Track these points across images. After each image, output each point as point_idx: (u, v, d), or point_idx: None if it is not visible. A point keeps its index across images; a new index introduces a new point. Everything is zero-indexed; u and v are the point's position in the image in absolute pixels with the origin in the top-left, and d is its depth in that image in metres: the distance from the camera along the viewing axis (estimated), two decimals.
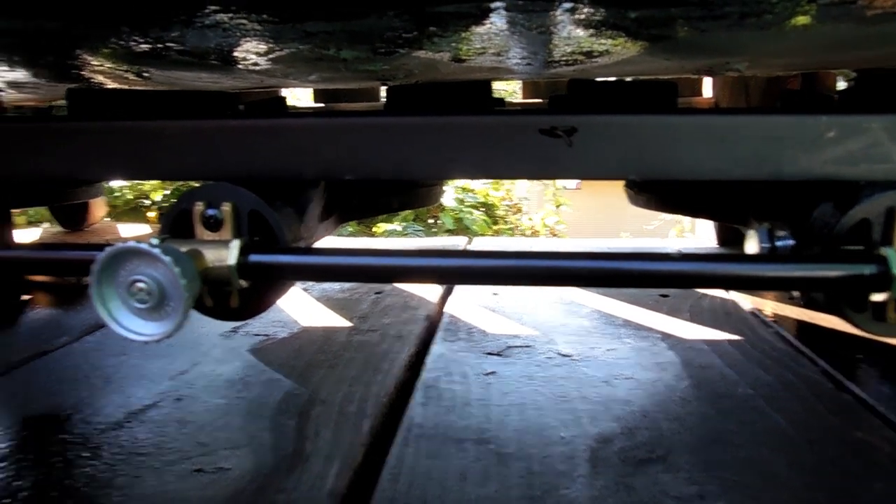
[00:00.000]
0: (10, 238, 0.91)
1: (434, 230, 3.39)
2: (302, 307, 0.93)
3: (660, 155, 0.47)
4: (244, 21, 0.37)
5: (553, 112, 0.48)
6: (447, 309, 0.93)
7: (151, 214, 3.22)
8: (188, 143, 0.46)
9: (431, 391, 0.64)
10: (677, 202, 0.67)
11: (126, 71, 0.54)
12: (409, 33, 0.39)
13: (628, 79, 0.72)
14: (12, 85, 0.66)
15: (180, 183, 3.20)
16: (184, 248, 0.37)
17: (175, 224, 0.42)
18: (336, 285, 1.05)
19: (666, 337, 0.80)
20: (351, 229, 3.02)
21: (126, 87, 0.62)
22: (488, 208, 3.76)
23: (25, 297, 1.00)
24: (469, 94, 0.57)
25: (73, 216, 1.13)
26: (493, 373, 0.69)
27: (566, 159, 0.44)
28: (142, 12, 0.38)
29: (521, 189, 4.07)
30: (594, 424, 0.58)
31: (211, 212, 0.42)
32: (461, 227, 3.31)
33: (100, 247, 0.42)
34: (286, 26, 0.38)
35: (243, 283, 0.40)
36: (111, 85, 0.60)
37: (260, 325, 0.85)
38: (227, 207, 0.42)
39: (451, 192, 3.49)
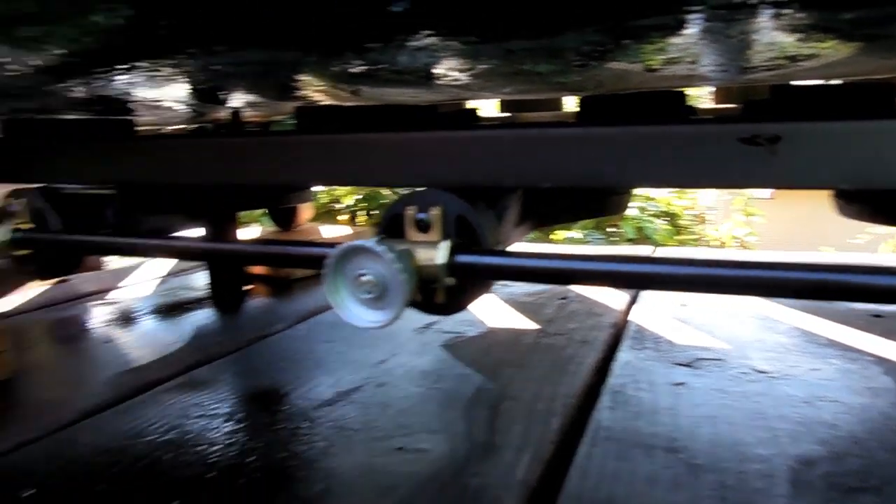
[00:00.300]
0: (234, 235, 1.04)
1: (614, 239, 3.33)
2: (489, 309, 0.97)
3: (877, 162, 0.44)
4: (453, 42, 0.40)
5: (753, 120, 0.47)
6: (632, 317, 0.92)
7: (342, 217, 3.47)
8: (401, 153, 0.51)
9: (618, 396, 0.65)
10: None
11: (343, 89, 0.60)
12: (605, 47, 0.40)
13: (836, 81, 0.68)
14: (249, 105, 0.76)
15: (368, 189, 3.42)
16: (399, 248, 0.41)
17: (388, 226, 0.47)
18: (521, 289, 1.08)
19: (880, 361, 0.73)
20: (531, 235, 3.05)
21: (339, 103, 0.69)
22: (671, 217, 3.62)
23: (246, 287, 1.14)
24: (663, 104, 0.57)
25: (285, 218, 1.26)
26: (682, 384, 0.68)
27: (768, 169, 0.43)
28: (363, 39, 0.43)
29: (706, 198, 3.87)
30: (795, 445, 0.55)
31: (421, 215, 0.46)
32: (642, 237, 3.23)
33: (324, 244, 0.48)
34: (489, 46, 0.41)
35: (450, 280, 0.44)
36: (327, 101, 0.67)
37: (450, 323, 0.90)
38: (435, 211, 0.46)
39: (633, 201, 3.41)
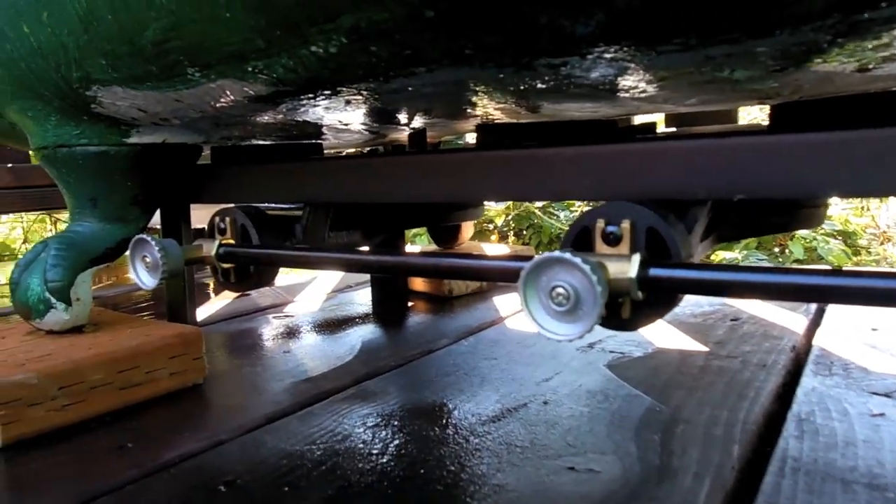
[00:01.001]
0: (403, 251, 1.08)
1: (779, 259, 3.10)
2: (654, 329, 0.94)
3: None
4: (650, 52, 0.40)
5: None
6: (816, 342, 0.85)
7: (493, 237, 3.51)
8: (585, 165, 0.51)
9: (806, 425, 0.60)
10: None
11: (524, 106, 0.61)
12: (818, 46, 0.38)
13: None
14: (426, 125, 0.79)
15: (521, 209, 3.44)
16: (594, 260, 0.41)
17: (576, 240, 0.47)
18: (687, 310, 1.04)
19: None
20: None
21: (517, 120, 0.70)
22: (847, 236, 3.32)
23: (409, 303, 1.18)
24: (871, 107, 0.53)
25: (447, 236, 1.29)
26: (881, 415, 0.62)
27: None
28: (557, 53, 0.43)
29: (888, 215, 3.51)
30: None
31: (611, 228, 0.46)
32: (813, 258, 2.98)
33: (515, 258, 0.49)
34: (688, 53, 0.40)
35: (640, 294, 0.43)
36: (505, 119, 0.68)
37: (614, 343, 0.88)
38: (626, 224, 0.45)
39: None
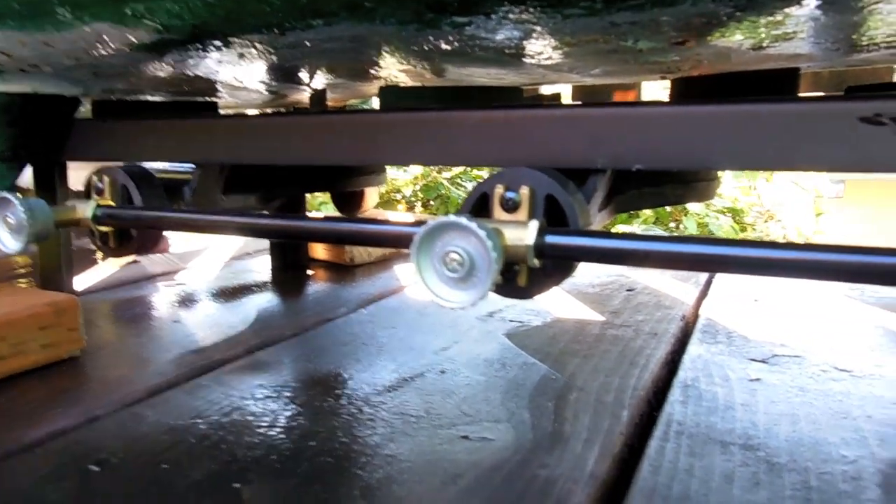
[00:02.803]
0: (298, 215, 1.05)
1: (675, 234, 3.24)
2: (553, 298, 0.95)
3: None
4: (556, 15, 0.38)
5: (877, 97, 0.43)
6: (703, 312, 0.89)
7: (401, 207, 3.48)
8: (488, 131, 0.50)
9: (691, 391, 0.62)
10: None
11: (428, 69, 0.59)
12: (718, 19, 0.38)
13: None
14: (329, 86, 0.76)
15: (429, 179, 3.43)
16: (490, 226, 0.40)
17: (475, 206, 0.46)
18: (586, 280, 1.06)
19: None
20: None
21: (422, 83, 0.68)
22: (736, 214, 3.51)
23: (309, 272, 1.15)
24: (768, 84, 0.54)
25: (350, 202, 1.26)
26: (758, 379, 0.65)
27: (891, 150, 0.40)
28: (463, 11, 0.42)
29: (774, 195, 3.73)
30: (885, 448, 0.52)
31: (510, 195, 0.45)
32: (705, 233, 3.13)
33: (409, 224, 0.47)
34: (593, 18, 0.39)
35: (537, 262, 0.43)
36: (410, 82, 0.66)
37: (514, 312, 0.88)
38: (524, 191, 0.44)
39: None
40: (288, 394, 0.63)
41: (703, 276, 1.08)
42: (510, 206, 0.45)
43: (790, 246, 0.40)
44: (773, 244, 0.39)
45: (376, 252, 1.21)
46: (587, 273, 1.11)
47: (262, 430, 0.55)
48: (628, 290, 0.99)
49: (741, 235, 3.34)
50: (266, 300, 0.96)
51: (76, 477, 0.48)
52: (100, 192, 0.63)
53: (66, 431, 0.55)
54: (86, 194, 0.65)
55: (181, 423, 0.57)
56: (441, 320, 0.85)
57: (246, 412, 0.59)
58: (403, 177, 3.46)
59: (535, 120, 0.50)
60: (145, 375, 0.67)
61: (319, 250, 1.21)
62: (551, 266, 0.45)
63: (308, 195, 1.31)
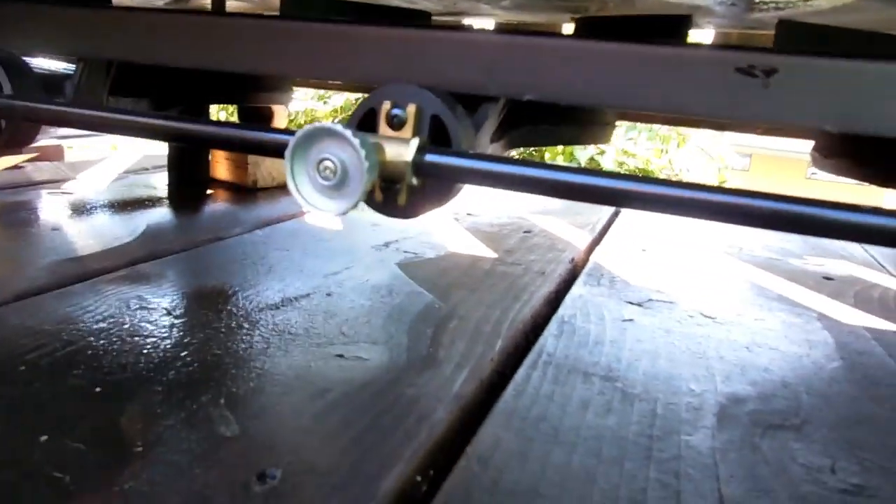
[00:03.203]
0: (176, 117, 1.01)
1: None
2: (451, 234, 0.96)
3: (869, 106, 0.43)
4: None
5: (753, 49, 0.45)
6: (593, 257, 0.92)
7: None
8: (386, 47, 0.49)
9: (566, 326, 0.65)
10: (873, 168, 0.61)
11: None
12: None
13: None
14: None
15: (350, 112, 3.36)
16: (367, 138, 0.39)
17: (362, 121, 0.45)
18: (485, 220, 1.07)
19: (822, 317, 0.74)
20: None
21: None
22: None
23: (209, 192, 1.11)
24: (665, 29, 0.55)
25: (256, 121, 1.22)
26: (630, 320, 0.69)
27: (759, 101, 0.42)
28: None
29: (683, 161, 3.88)
30: (727, 384, 0.56)
31: (396, 111, 0.44)
32: None
33: (283, 131, 0.46)
34: None
35: (415, 180, 0.43)
36: None
37: (410, 244, 0.89)
38: (411, 108, 0.44)
39: (612, 154, 3.40)
40: (165, 306, 0.61)
41: (600, 224, 1.12)
42: (396, 124, 0.44)
43: (640, 179, 0.42)
44: (628, 177, 0.40)
45: (280, 176, 1.18)
46: (487, 214, 1.13)
47: (131, 340, 0.54)
48: (525, 232, 1.01)
49: None
50: (158, 215, 0.93)
51: None
52: None
53: None
54: None
55: (47, 328, 0.55)
56: (336, 247, 0.85)
57: (118, 322, 0.57)
58: (323, 109, 3.38)
59: (430, 40, 0.49)
60: (14, 280, 0.64)
61: (221, 170, 1.17)
62: (431, 187, 0.45)
63: (213, 110, 1.26)
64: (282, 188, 1.18)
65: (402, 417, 0.46)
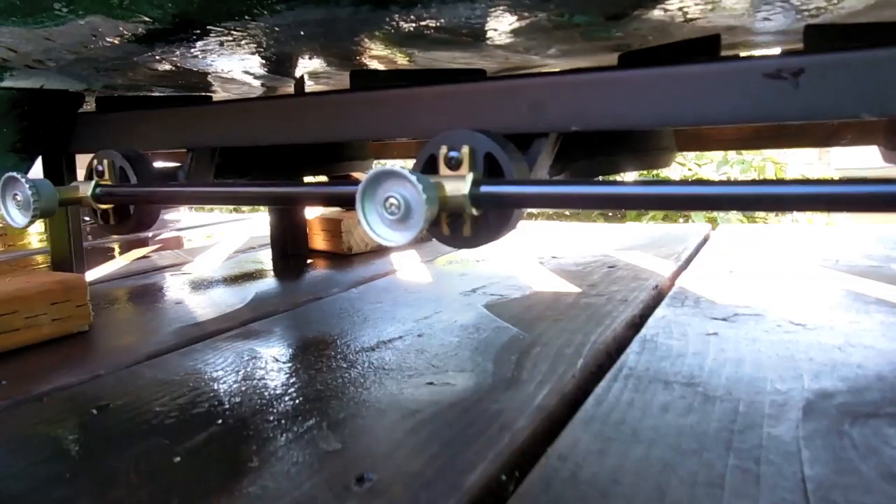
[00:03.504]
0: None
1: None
2: (536, 276, 1.00)
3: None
4: None
5: (778, 56, 0.48)
6: (678, 282, 0.93)
7: None
8: (435, 102, 0.55)
9: (648, 344, 0.66)
10: None
11: (396, 54, 0.65)
12: None
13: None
14: (311, 76, 0.82)
15: None
16: (425, 177, 0.45)
17: (424, 166, 0.51)
18: (570, 260, 1.10)
19: None
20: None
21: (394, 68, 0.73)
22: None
23: (308, 261, 1.20)
24: (698, 50, 0.59)
25: None
26: (714, 333, 0.69)
27: (792, 101, 0.44)
28: None
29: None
30: (816, 381, 0.55)
31: (452, 153, 0.50)
32: (715, 226, 3.14)
33: (354, 183, 0.52)
34: None
35: (475, 211, 0.47)
36: (383, 67, 0.71)
37: (496, 288, 0.93)
38: (465, 150, 0.49)
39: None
40: (273, 355, 0.68)
41: (686, 253, 1.12)
42: (453, 164, 0.50)
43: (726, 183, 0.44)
44: (707, 182, 0.43)
45: (372, 242, 1.26)
46: (572, 255, 1.15)
47: (246, 382, 0.60)
48: (609, 267, 1.03)
49: (749, 223, 3.34)
50: (264, 284, 1.02)
51: (76, 419, 0.54)
52: (100, 174, 0.69)
53: (70, 386, 0.61)
54: (87, 177, 0.71)
55: (175, 378, 0.62)
56: (425, 296, 0.90)
57: (234, 369, 0.64)
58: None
59: (479, 91, 0.55)
60: (146, 344, 0.73)
61: (319, 241, 1.27)
62: (491, 216, 0.50)
63: None
64: (374, 252, 1.25)
65: (485, 428, 0.49)
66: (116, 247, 1.50)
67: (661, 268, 1.01)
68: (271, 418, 0.52)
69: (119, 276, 1.11)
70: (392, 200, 0.44)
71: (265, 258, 1.25)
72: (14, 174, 0.63)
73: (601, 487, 0.41)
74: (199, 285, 1.03)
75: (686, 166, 3.36)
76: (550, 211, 3.43)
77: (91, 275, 1.13)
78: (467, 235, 0.51)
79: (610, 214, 3.12)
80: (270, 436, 0.49)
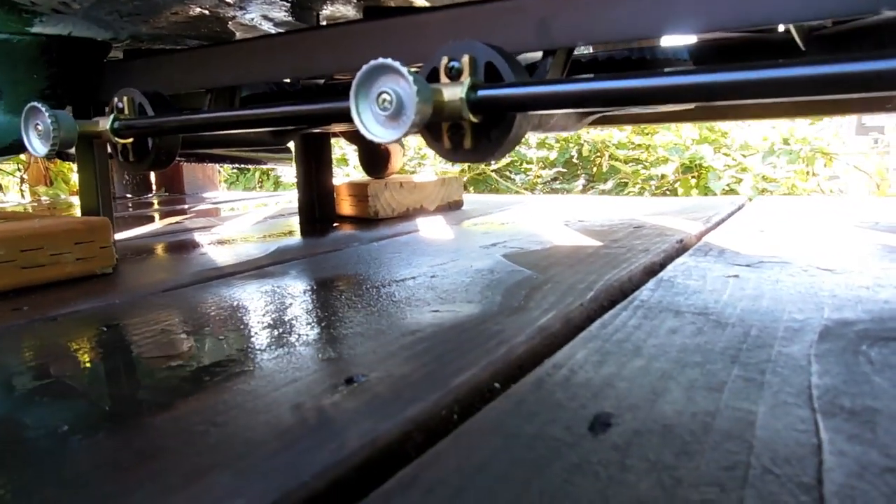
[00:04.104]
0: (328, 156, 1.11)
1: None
2: (559, 233, 0.98)
3: None
4: None
5: None
6: (705, 238, 0.90)
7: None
8: (448, 26, 0.55)
9: (664, 283, 0.64)
10: None
11: None
12: None
13: None
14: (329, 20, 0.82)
15: (477, 171, 3.48)
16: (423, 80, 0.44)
17: (427, 78, 0.50)
18: (596, 222, 1.08)
19: None
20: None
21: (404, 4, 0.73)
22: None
23: (335, 224, 1.21)
24: None
25: (377, 164, 1.32)
26: (735, 276, 0.66)
27: None
28: None
29: (835, 182, 3.59)
30: (837, 312, 0.53)
31: (453, 63, 0.49)
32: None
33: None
34: None
35: (473, 117, 0.46)
36: (394, 3, 0.71)
37: (517, 242, 0.92)
38: (465, 59, 0.49)
39: (749, 181, 3.23)
40: (284, 289, 0.68)
41: (717, 217, 1.09)
42: (454, 74, 0.49)
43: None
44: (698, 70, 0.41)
45: (399, 207, 1.26)
46: (598, 217, 1.13)
47: (254, 309, 0.61)
48: (635, 228, 1.01)
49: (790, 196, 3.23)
50: (287, 241, 1.03)
51: (86, 333, 0.55)
52: (120, 111, 0.70)
53: (85, 311, 0.62)
54: (108, 114, 0.73)
55: (185, 305, 0.63)
56: (445, 248, 0.89)
57: (245, 299, 0.64)
58: (452, 169, 3.52)
59: (486, 10, 0.55)
60: (164, 281, 0.74)
61: (346, 206, 1.27)
62: (494, 127, 0.49)
63: (333, 160, 1.38)
64: (401, 217, 1.25)
65: (482, 343, 0.48)
66: (157, 215, 1.53)
67: (689, 228, 0.98)
68: (272, 333, 0.52)
69: (150, 235, 1.14)
70: (385, 96, 0.43)
71: (294, 222, 1.26)
72: (36, 104, 0.64)
73: (594, 390, 0.39)
74: (224, 242, 1.04)
75: (730, 156, 3.27)
76: (580, 187, 3.38)
77: (123, 234, 1.15)
78: (468, 148, 0.50)
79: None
80: (268, 346, 0.49)
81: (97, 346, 0.52)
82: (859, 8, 0.43)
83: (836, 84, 0.37)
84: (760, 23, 0.45)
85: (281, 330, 0.53)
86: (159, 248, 1.00)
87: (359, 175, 1.92)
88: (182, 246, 1.01)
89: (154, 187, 2.17)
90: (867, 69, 0.35)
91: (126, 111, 0.70)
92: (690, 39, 0.75)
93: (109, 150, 0.74)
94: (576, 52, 0.63)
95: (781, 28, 0.69)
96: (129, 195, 2.09)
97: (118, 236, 1.10)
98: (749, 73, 0.38)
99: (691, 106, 0.77)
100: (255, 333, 0.53)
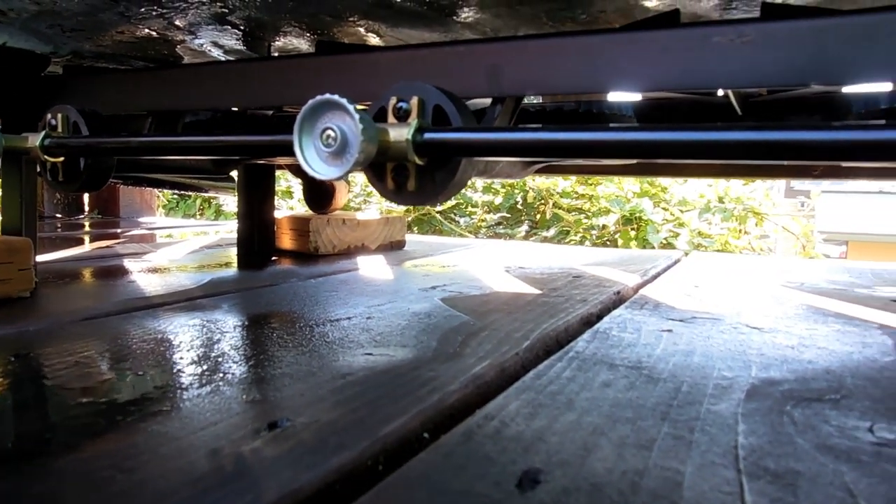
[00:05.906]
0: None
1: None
2: (499, 279, 0.98)
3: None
4: None
5: (730, 22, 0.48)
6: (641, 292, 0.91)
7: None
8: (402, 66, 0.55)
9: (600, 335, 0.65)
10: None
11: (359, 26, 0.65)
12: None
13: None
14: (280, 51, 0.81)
15: (422, 212, 3.49)
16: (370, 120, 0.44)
17: (374, 118, 0.49)
18: (536, 270, 1.09)
19: (883, 328, 0.71)
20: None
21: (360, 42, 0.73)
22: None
23: (274, 258, 1.18)
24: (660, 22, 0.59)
25: (321, 200, 1.30)
26: (669, 330, 0.67)
27: (742, 65, 0.44)
28: None
29: (766, 241, 3.75)
30: (764, 371, 0.54)
31: (401, 104, 0.49)
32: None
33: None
34: None
35: (418, 160, 0.46)
36: (348, 41, 0.71)
37: (456, 287, 0.91)
38: (414, 101, 0.48)
39: (686, 236, 3.34)
40: (213, 324, 0.65)
41: (654, 270, 1.11)
42: (402, 115, 0.48)
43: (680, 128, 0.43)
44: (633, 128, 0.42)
45: (340, 244, 1.25)
46: (539, 266, 1.14)
47: (177, 343, 0.58)
48: (574, 277, 1.02)
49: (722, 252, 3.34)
50: (222, 272, 1.00)
51: None
52: (53, 129, 0.67)
53: None
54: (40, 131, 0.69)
55: (106, 336, 0.60)
56: (384, 289, 0.88)
57: (169, 334, 0.61)
58: (397, 209, 3.52)
59: (438, 54, 0.55)
60: (85, 309, 0.70)
61: (286, 240, 1.25)
62: (438, 171, 0.49)
63: (277, 192, 1.36)
64: (341, 254, 1.24)
65: (414, 390, 0.47)
66: (86, 238, 1.47)
67: (627, 279, 1.00)
68: (196, 371, 0.50)
69: (77, 259, 1.09)
70: (329, 132, 0.43)
71: (232, 254, 1.23)
72: None
73: (525, 444, 0.39)
74: (155, 270, 1.01)
75: (669, 210, 3.38)
76: (523, 232, 3.42)
77: (49, 256, 1.10)
78: (412, 189, 0.49)
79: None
80: (190, 384, 0.47)
81: (3, 377, 0.48)
82: (790, 80, 0.45)
83: (765, 150, 0.38)
84: (698, 87, 0.47)
85: (205, 367, 0.51)
86: (85, 273, 0.95)
87: (303, 209, 1.90)
88: (110, 272, 0.97)
89: (87, 208, 2.10)
90: (795, 138, 0.37)
91: (59, 129, 0.67)
92: (635, 97, 0.77)
93: (38, 168, 0.70)
94: (525, 101, 0.64)
95: (721, 93, 0.71)
96: (58, 215, 2.01)
97: (42, 258, 1.05)
98: (686, 133, 0.39)
99: (633, 161, 0.79)
100: (178, 370, 0.50)
